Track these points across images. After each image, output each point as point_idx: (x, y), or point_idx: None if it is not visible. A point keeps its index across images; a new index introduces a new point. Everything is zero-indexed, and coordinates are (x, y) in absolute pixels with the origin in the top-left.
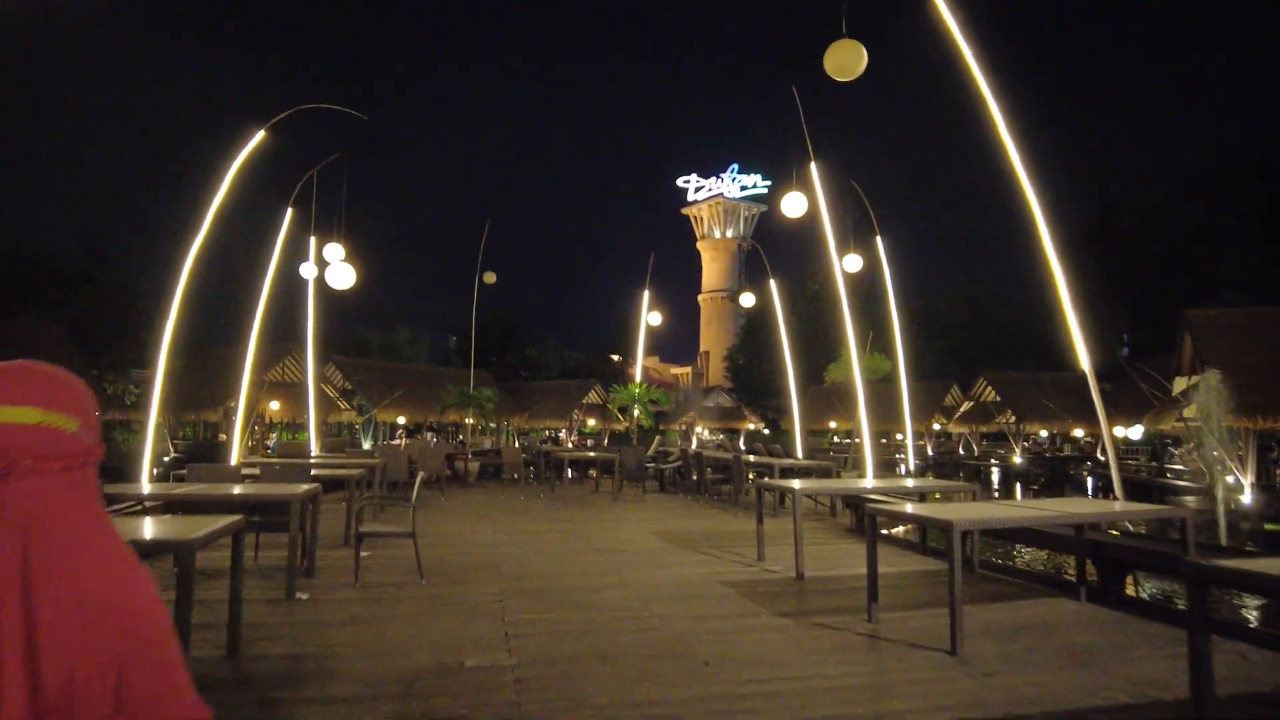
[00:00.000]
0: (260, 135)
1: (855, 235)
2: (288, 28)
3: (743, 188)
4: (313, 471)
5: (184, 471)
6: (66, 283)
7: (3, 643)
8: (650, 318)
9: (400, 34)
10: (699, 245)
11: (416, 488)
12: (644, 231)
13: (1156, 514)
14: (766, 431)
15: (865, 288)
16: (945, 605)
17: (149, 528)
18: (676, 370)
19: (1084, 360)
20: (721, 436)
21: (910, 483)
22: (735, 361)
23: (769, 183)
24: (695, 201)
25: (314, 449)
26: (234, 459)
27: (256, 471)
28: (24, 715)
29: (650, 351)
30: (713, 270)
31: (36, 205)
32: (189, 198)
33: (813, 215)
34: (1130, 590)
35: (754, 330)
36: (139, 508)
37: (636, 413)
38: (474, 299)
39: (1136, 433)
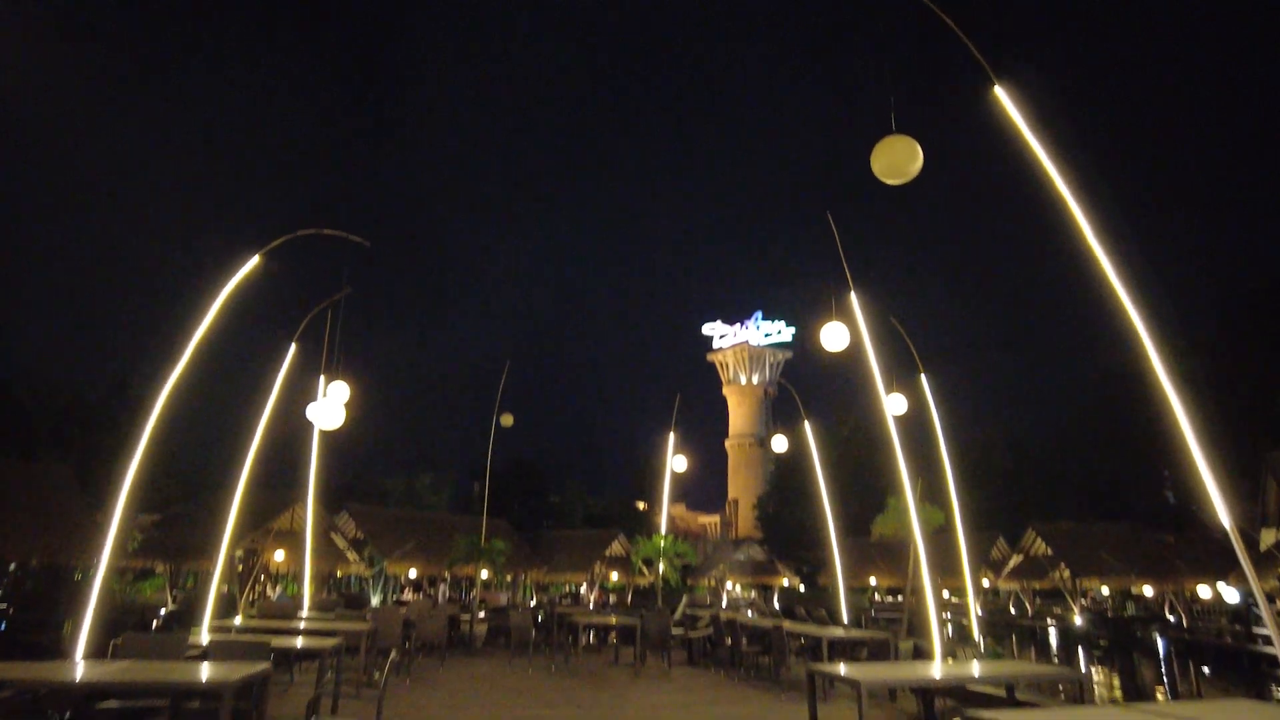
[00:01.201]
0: (254, 261)
1: (897, 373)
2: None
3: (767, 334)
4: (280, 642)
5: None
6: (90, 424)
7: None
8: (675, 463)
9: (421, 177)
10: (725, 391)
11: (385, 676)
12: (669, 376)
13: None
14: (802, 588)
15: (908, 429)
16: None
17: None
18: (704, 519)
19: (1224, 517)
20: (753, 593)
21: (978, 669)
22: (766, 510)
23: (793, 329)
24: (720, 348)
25: (306, 607)
26: (205, 625)
27: (208, 641)
28: None
29: (676, 498)
30: (739, 415)
31: (70, 346)
32: (194, 329)
33: (853, 350)
34: None
35: (785, 477)
36: (30, 697)
37: (662, 568)
38: (490, 443)
39: (1232, 594)
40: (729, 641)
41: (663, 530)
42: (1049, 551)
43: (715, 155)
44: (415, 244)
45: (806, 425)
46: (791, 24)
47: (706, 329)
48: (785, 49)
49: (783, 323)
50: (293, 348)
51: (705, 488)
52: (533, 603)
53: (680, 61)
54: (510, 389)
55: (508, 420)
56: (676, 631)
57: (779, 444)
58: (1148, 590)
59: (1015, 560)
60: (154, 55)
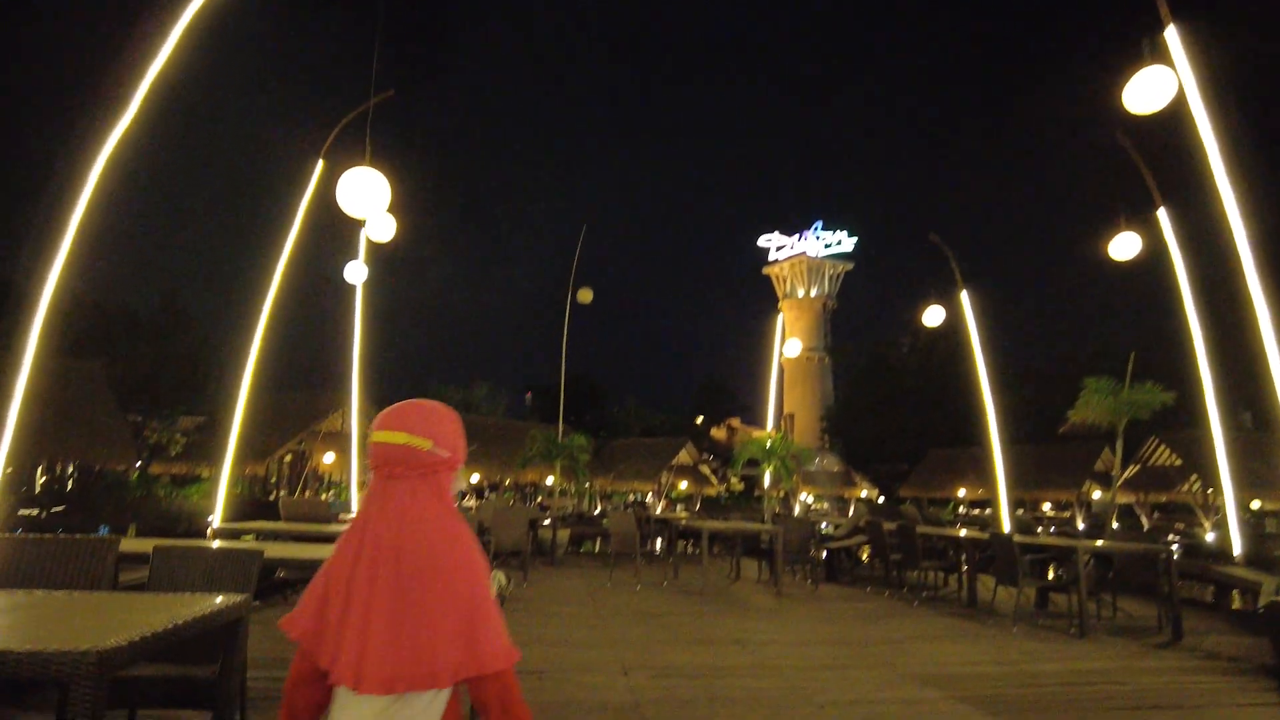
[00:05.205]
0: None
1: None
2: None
3: (827, 245)
4: (276, 553)
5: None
6: (140, 335)
7: (378, 590)
8: (788, 347)
9: (473, 107)
10: (781, 305)
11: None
12: (723, 297)
13: None
14: (881, 500)
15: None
16: None
17: None
18: (759, 434)
19: None
20: (826, 504)
21: None
22: (836, 422)
23: (855, 239)
24: (776, 260)
25: (355, 508)
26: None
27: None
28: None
29: (733, 413)
30: (796, 330)
31: (122, 260)
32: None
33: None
34: None
35: (861, 385)
36: None
37: (769, 472)
38: (566, 320)
39: None
40: (897, 559)
41: (769, 425)
42: (1177, 461)
43: (779, 57)
44: (468, 178)
45: (964, 295)
46: None
47: (763, 240)
48: None
49: (844, 232)
50: (319, 165)
51: (758, 408)
52: (597, 510)
53: None
54: (565, 305)
55: (586, 295)
56: (829, 545)
57: (933, 316)
58: None
59: (1131, 470)
60: None
